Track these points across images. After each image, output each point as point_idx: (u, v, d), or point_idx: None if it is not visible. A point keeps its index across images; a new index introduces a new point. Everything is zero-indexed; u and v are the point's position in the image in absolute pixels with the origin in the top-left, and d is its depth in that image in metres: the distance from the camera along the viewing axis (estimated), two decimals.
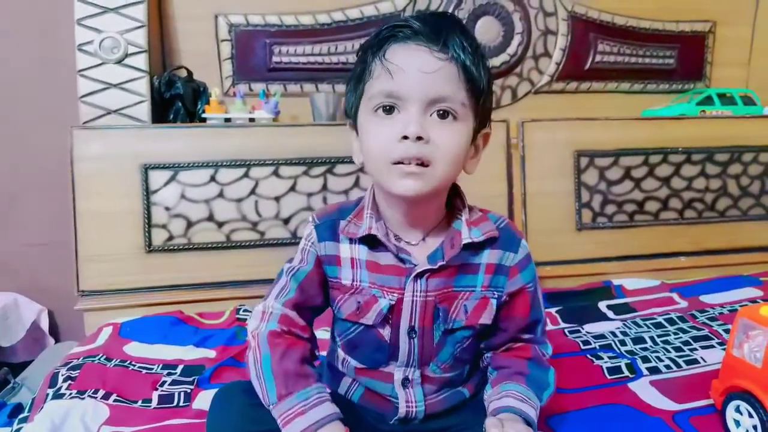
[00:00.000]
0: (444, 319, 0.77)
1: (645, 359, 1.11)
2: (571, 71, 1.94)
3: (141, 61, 1.51)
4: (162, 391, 1.04)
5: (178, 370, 1.13)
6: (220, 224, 1.49)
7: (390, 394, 0.80)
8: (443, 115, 0.71)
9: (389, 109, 0.71)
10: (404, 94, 0.69)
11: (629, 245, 1.70)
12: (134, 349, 1.23)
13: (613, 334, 1.26)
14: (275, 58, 1.74)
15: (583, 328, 1.31)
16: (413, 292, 0.76)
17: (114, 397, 1.00)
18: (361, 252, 0.77)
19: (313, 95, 1.65)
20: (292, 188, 1.52)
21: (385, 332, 0.78)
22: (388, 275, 0.76)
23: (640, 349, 1.17)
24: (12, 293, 1.65)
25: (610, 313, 1.40)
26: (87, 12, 1.48)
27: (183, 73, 1.63)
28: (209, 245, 1.48)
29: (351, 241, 0.78)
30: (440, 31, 0.70)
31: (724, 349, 0.88)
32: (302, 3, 1.74)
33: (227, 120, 1.57)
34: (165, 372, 1.12)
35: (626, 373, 1.06)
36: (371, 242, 0.77)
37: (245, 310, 1.41)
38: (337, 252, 0.79)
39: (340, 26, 1.76)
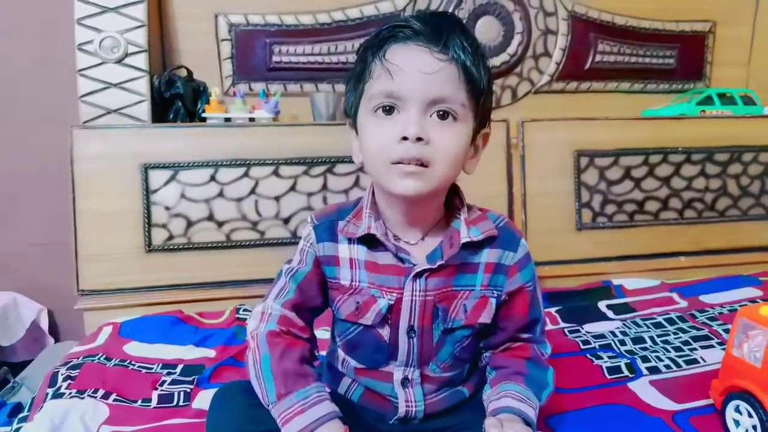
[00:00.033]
0: (443, 318, 0.77)
1: (645, 359, 1.11)
2: (571, 71, 1.94)
3: (141, 60, 1.51)
4: (162, 390, 1.04)
5: (178, 369, 1.13)
6: (220, 224, 1.49)
7: (390, 393, 0.80)
8: (443, 115, 0.70)
9: (389, 110, 0.71)
10: (404, 95, 0.69)
11: (629, 245, 1.70)
12: (134, 348, 1.23)
13: (613, 333, 1.26)
14: (275, 58, 1.74)
15: (582, 328, 1.31)
16: (412, 291, 0.76)
17: (114, 396, 1.00)
18: (360, 252, 0.77)
19: (313, 95, 1.65)
20: (292, 188, 1.52)
21: (384, 332, 0.78)
22: (387, 275, 0.76)
23: (640, 348, 1.17)
24: (11, 292, 1.65)
25: (609, 313, 1.40)
26: (87, 11, 1.48)
27: (183, 73, 1.63)
28: (209, 245, 1.48)
29: (350, 241, 0.78)
30: (441, 31, 0.70)
31: (723, 349, 0.88)
32: (302, 3, 1.74)
33: (227, 120, 1.57)
34: (165, 371, 1.12)
35: (626, 372, 1.06)
36: (370, 242, 0.77)
37: (245, 310, 1.41)
38: (335, 252, 0.78)
39: (340, 26, 1.76)
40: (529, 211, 1.65)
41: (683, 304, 1.45)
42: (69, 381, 1.03)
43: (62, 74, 1.59)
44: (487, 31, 1.83)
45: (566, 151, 1.69)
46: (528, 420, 0.74)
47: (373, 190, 0.80)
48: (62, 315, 1.75)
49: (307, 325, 0.81)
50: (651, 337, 1.22)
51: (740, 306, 1.29)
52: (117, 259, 1.43)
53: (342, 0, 1.75)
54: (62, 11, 1.52)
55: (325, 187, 1.54)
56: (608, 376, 1.05)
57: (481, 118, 0.76)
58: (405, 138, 0.69)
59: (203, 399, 0.99)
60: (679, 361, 1.10)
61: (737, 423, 0.82)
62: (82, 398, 0.97)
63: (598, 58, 1.95)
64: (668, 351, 1.15)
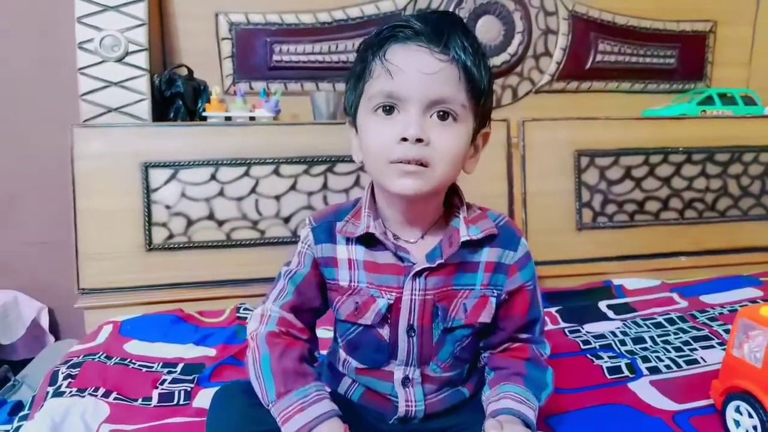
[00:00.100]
0: (443, 317, 0.77)
1: (645, 359, 1.11)
2: (571, 71, 1.94)
3: (141, 59, 1.51)
4: (162, 389, 1.04)
5: (179, 368, 1.13)
6: (221, 223, 1.49)
7: (390, 393, 0.80)
8: (443, 116, 0.70)
9: (389, 110, 0.71)
10: (404, 95, 0.69)
11: (629, 245, 1.70)
12: (134, 347, 1.23)
13: (613, 333, 1.26)
14: (276, 57, 1.74)
15: (583, 328, 1.31)
16: (412, 290, 0.76)
17: (114, 395, 1.00)
18: (359, 252, 0.77)
19: (314, 94, 1.65)
20: (293, 187, 1.52)
21: (384, 332, 0.78)
22: (386, 274, 0.76)
23: (640, 348, 1.17)
24: (12, 291, 1.66)
25: (610, 313, 1.40)
26: (87, 10, 1.48)
27: (183, 72, 1.63)
28: (209, 244, 1.48)
29: (348, 242, 0.78)
30: (441, 31, 0.69)
31: (724, 349, 0.88)
32: (303, 1, 1.74)
33: (228, 118, 1.57)
34: (165, 370, 1.12)
35: (626, 372, 1.06)
36: (369, 241, 0.77)
37: (245, 309, 1.41)
38: (334, 254, 0.78)
39: (341, 25, 1.76)
40: (530, 211, 1.65)
41: (684, 304, 1.45)
42: (69, 379, 1.03)
43: (63, 73, 1.59)
44: (487, 30, 1.83)
45: (567, 151, 1.69)
46: (528, 422, 0.73)
47: (372, 190, 0.80)
48: (63, 313, 1.75)
49: (307, 327, 0.80)
50: (651, 337, 1.22)
51: (741, 306, 1.29)
52: (117, 257, 1.44)
53: None
54: (62, 10, 1.52)
55: (325, 186, 1.54)
56: (608, 376, 1.05)
57: (482, 118, 0.75)
58: (405, 139, 0.68)
59: (203, 398, 0.99)
60: (680, 361, 1.10)
61: (737, 423, 0.82)
62: (83, 397, 0.97)
63: (598, 57, 1.95)
64: (668, 351, 1.15)
